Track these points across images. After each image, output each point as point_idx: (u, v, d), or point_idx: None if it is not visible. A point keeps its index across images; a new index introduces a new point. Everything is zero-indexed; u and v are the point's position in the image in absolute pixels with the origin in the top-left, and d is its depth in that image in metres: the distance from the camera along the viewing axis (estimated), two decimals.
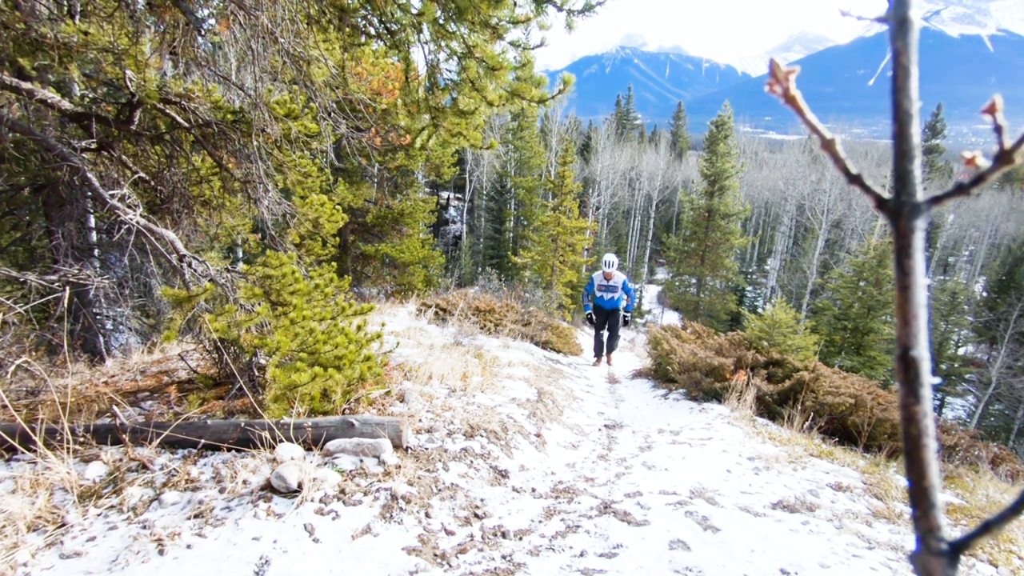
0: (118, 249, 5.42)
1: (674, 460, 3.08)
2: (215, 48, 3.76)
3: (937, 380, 0.34)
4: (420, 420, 3.00)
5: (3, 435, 2.07)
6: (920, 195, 0.33)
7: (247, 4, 2.76)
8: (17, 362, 2.69)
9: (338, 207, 4.93)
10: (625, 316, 7.16)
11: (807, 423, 3.99)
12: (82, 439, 2.24)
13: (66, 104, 3.14)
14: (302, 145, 3.65)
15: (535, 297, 11.93)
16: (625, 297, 7.03)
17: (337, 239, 5.98)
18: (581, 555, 1.92)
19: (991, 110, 0.31)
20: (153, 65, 3.11)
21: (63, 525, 1.80)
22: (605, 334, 7.35)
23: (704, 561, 1.87)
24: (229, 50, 3.26)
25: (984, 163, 0.32)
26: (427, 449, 2.61)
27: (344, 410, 2.90)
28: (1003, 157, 0.31)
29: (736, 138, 29.52)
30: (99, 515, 1.86)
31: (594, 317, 7.29)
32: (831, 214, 25.68)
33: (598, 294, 7.03)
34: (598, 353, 7.44)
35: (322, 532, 1.86)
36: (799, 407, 4.15)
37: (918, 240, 0.33)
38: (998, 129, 0.31)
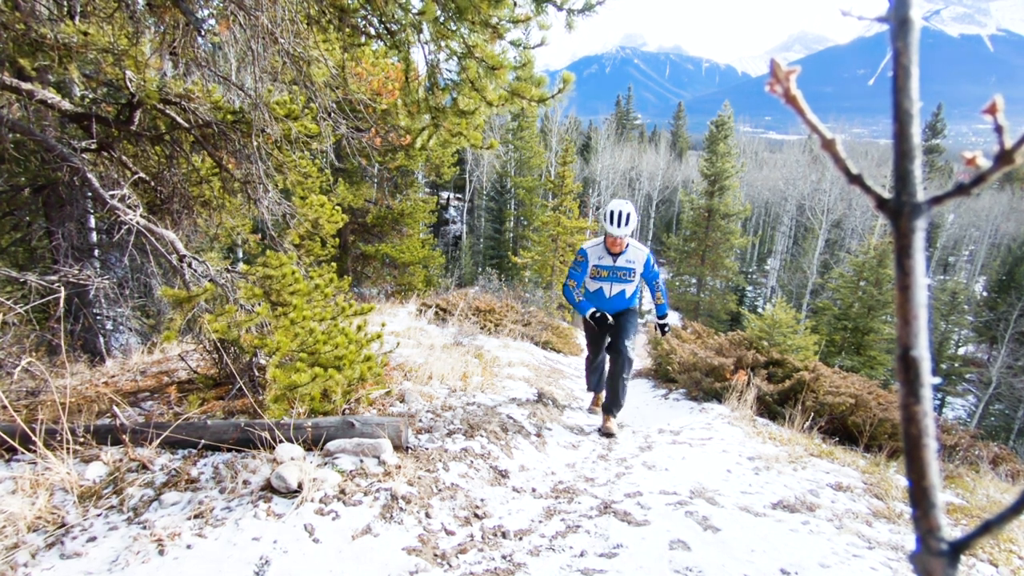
0: (118, 249, 5.42)
1: (674, 460, 3.08)
2: (215, 48, 3.76)
3: (937, 380, 0.34)
4: (420, 420, 3.00)
5: (3, 435, 2.07)
6: (920, 195, 0.33)
7: (247, 4, 2.76)
8: (22, 363, 2.69)
9: (338, 207, 4.93)
10: (663, 322, 3.93)
11: (807, 423, 3.99)
12: (82, 439, 2.24)
13: (66, 104, 3.14)
14: (302, 145, 3.65)
15: (535, 297, 11.94)
16: (652, 288, 3.81)
17: (337, 239, 5.98)
18: (581, 555, 1.92)
19: (991, 110, 0.31)
20: (153, 65, 3.11)
21: (63, 525, 1.80)
22: (606, 362, 4.00)
23: (704, 561, 1.87)
24: (229, 50, 3.26)
25: (984, 163, 0.32)
26: (427, 449, 2.61)
27: (344, 410, 2.90)
28: (1004, 157, 0.31)
29: (736, 138, 29.56)
30: (99, 515, 1.86)
31: (595, 313, 3.67)
32: (831, 214, 25.69)
33: (592, 285, 3.74)
34: (595, 388, 4.21)
35: (322, 532, 1.86)
36: (799, 407, 4.16)
37: (918, 240, 0.33)
38: (998, 129, 0.31)
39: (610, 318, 3.63)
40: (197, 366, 3.52)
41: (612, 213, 3.41)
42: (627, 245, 3.58)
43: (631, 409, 4.92)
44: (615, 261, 3.59)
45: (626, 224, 3.39)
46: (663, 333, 3.97)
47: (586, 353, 4.16)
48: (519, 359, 5.43)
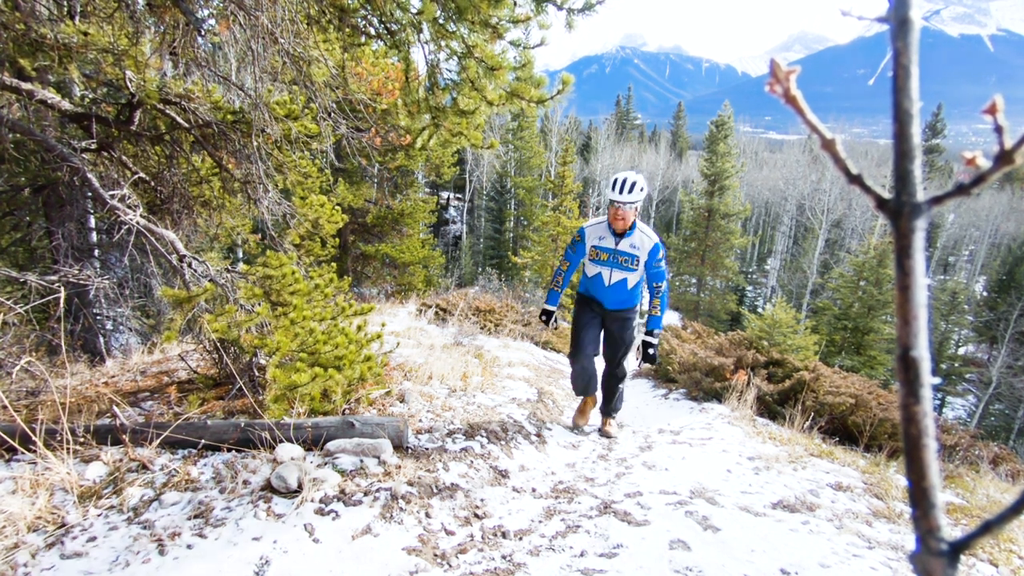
0: (118, 249, 5.42)
1: (674, 460, 3.08)
2: (215, 48, 3.76)
3: (937, 380, 0.34)
4: (420, 420, 3.00)
5: (3, 435, 2.07)
6: (920, 195, 0.33)
7: (247, 4, 2.76)
8: (21, 363, 2.69)
9: (338, 207, 4.93)
10: (650, 340, 3.23)
11: (807, 423, 4.00)
12: (82, 439, 2.24)
13: (66, 104, 3.14)
14: (302, 145, 3.65)
15: (535, 297, 11.94)
16: (651, 292, 3.26)
17: (337, 239, 5.99)
18: (581, 555, 1.92)
19: (992, 110, 0.31)
20: (153, 65, 3.11)
21: (63, 525, 1.80)
22: (591, 359, 3.45)
23: (704, 561, 1.87)
24: (229, 50, 3.26)
25: (984, 163, 0.32)
26: (427, 449, 2.61)
27: (344, 410, 2.90)
28: (1003, 157, 0.31)
29: (736, 138, 29.57)
30: (99, 515, 1.86)
31: (558, 318, 3.33)
32: (831, 214, 25.70)
33: (591, 269, 3.30)
34: (580, 392, 3.57)
35: (322, 532, 1.86)
36: (799, 407, 4.16)
37: (918, 240, 0.33)
38: (998, 129, 0.31)
39: (560, 324, 3.32)
40: (197, 366, 3.52)
41: (616, 179, 3.03)
42: (633, 226, 3.13)
43: (631, 409, 4.92)
44: (617, 244, 3.16)
45: (629, 191, 2.97)
46: (647, 358, 3.22)
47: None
48: (519, 359, 5.43)
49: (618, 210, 3.04)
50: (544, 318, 3.44)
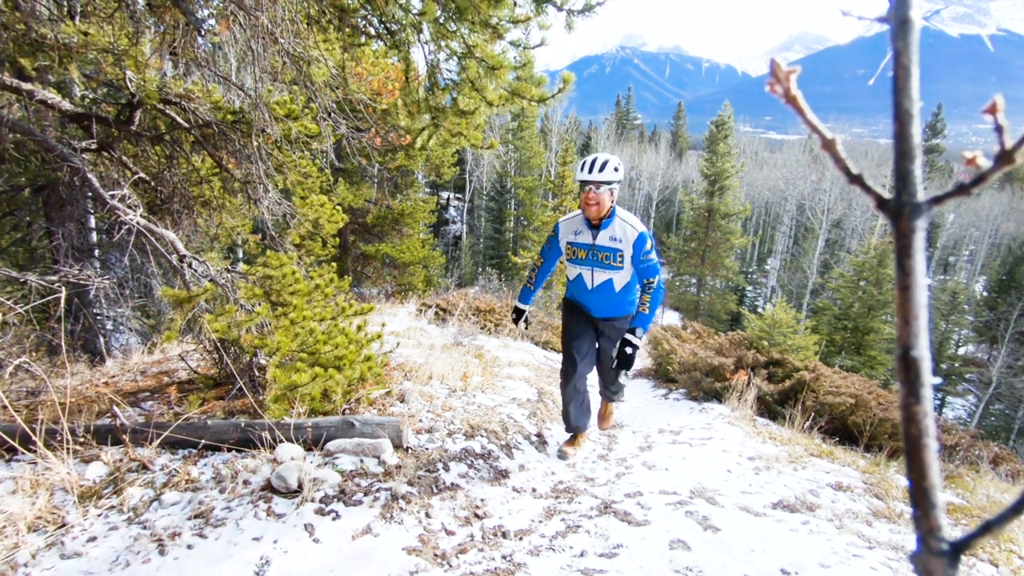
0: (118, 249, 5.42)
1: (674, 460, 3.08)
2: (215, 48, 3.76)
3: (937, 380, 0.34)
4: (420, 420, 3.00)
5: (3, 435, 2.07)
6: (921, 195, 0.33)
7: (247, 4, 2.76)
8: (16, 362, 2.69)
9: (338, 207, 4.93)
10: (631, 340, 2.56)
11: (808, 423, 4.00)
12: (82, 439, 2.24)
13: (66, 105, 3.14)
14: (302, 145, 3.65)
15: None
16: (641, 288, 2.69)
17: (337, 239, 5.98)
18: (581, 555, 1.92)
19: (992, 110, 0.31)
20: (153, 66, 3.11)
21: (63, 525, 1.80)
22: (584, 378, 3.01)
23: (704, 561, 1.87)
24: (229, 50, 3.26)
25: (985, 163, 0.32)
26: (427, 449, 2.61)
27: (344, 410, 2.90)
28: (1004, 157, 0.31)
29: (736, 138, 29.57)
30: (99, 515, 1.86)
31: (529, 318, 3.10)
32: (831, 214, 25.71)
33: (571, 271, 2.89)
34: (575, 423, 3.08)
35: (322, 532, 1.86)
36: (800, 407, 4.16)
37: (919, 240, 0.33)
38: (999, 129, 0.31)
39: (525, 324, 3.06)
40: (197, 366, 3.52)
41: (585, 159, 2.59)
42: (612, 214, 2.64)
43: (631, 409, 4.92)
44: (595, 238, 2.68)
45: (600, 170, 2.52)
46: (622, 361, 2.58)
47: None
48: (519, 359, 5.43)
49: (589, 193, 2.56)
50: (515, 316, 3.04)
